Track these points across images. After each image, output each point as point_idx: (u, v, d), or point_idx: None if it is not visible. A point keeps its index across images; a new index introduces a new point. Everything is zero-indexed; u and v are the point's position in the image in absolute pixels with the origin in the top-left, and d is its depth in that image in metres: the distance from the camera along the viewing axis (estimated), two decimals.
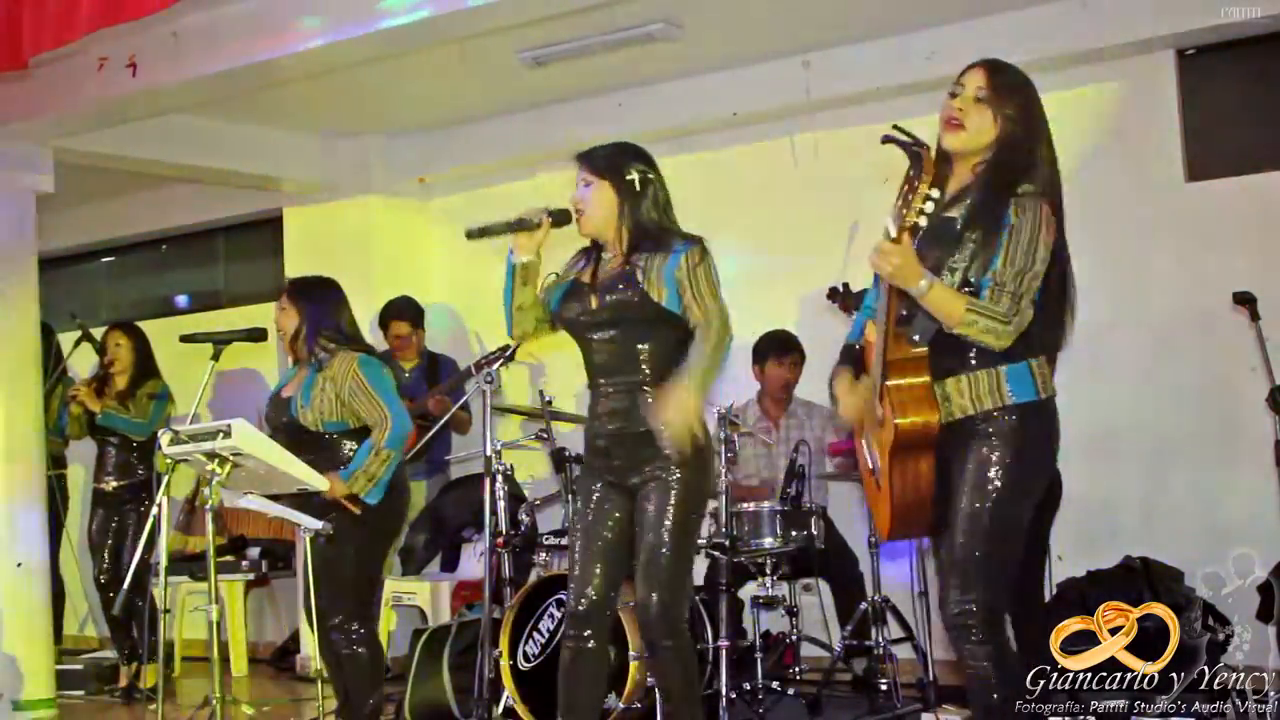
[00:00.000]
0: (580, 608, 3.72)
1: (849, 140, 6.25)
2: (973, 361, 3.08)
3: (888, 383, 3.07)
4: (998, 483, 3.04)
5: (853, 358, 3.41)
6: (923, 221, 2.89)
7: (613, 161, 3.73)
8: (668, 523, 3.60)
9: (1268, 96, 5.64)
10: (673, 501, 3.61)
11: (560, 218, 3.73)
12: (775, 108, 6.26)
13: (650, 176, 3.73)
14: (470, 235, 3.71)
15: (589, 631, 3.73)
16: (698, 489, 3.70)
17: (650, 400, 3.64)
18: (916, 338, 3.07)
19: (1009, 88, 3.13)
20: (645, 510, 3.64)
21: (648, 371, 3.67)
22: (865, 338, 3.31)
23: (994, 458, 3.05)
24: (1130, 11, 5.44)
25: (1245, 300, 5.02)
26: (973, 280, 3.05)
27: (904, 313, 3.07)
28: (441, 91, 6.56)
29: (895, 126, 2.95)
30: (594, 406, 3.79)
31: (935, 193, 2.88)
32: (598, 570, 3.73)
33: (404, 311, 6.69)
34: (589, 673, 3.78)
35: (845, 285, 5.41)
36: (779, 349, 5.90)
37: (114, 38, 5.31)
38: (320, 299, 4.75)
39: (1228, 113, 5.70)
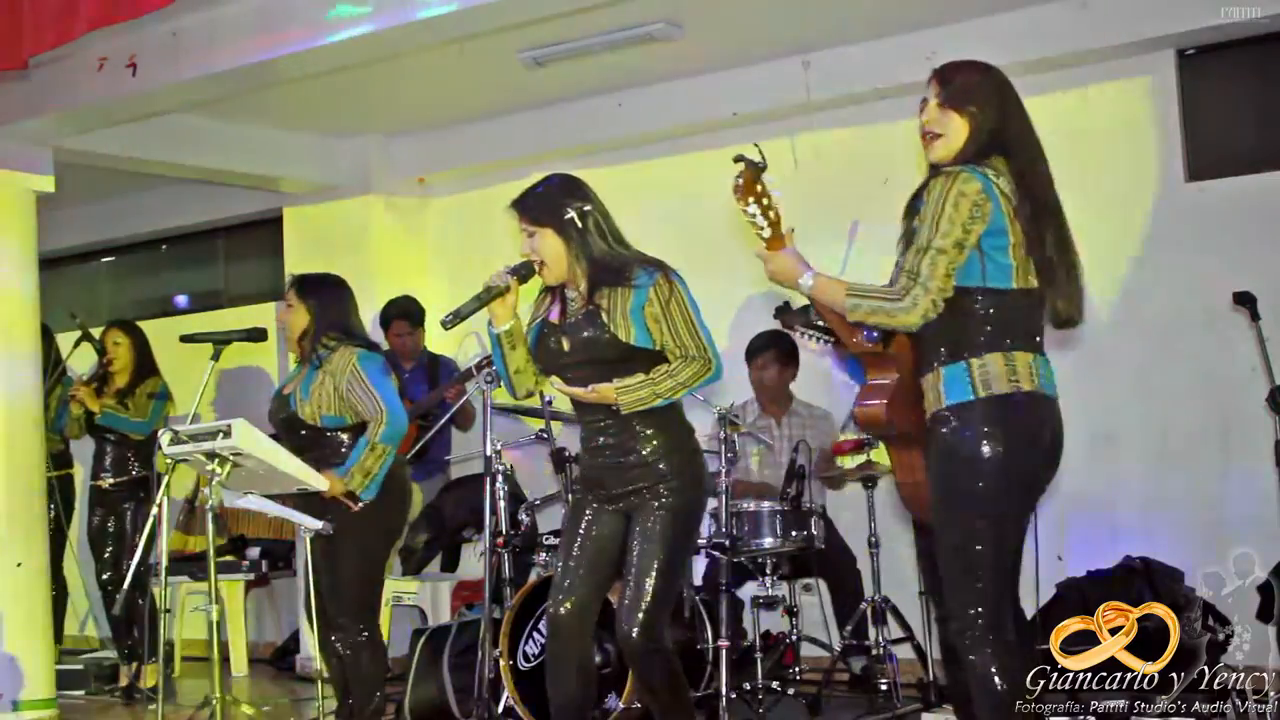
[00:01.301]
0: (560, 612, 3.72)
1: (849, 140, 6.26)
2: (931, 362, 3.10)
3: (870, 375, 3.20)
4: (936, 487, 3.07)
5: None
6: (765, 233, 3.11)
7: (547, 206, 3.69)
8: (658, 552, 3.60)
9: (1268, 96, 5.64)
10: (664, 531, 3.61)
11: (524, 273, 3.72)
12: (775, 108, 6.26)
13: (587, 209, 3.67)
14: (446, 325, 3.67)
15: (568, 636, 3.73)
16: (689, 518, 3.71)
17: (640, 429, 3.64)
18: (875, 335, 3.13)
19: (964, 85, 3.15)
20: (636, 537, 3.64)
21: None
22: None
23: (937, 463, 3.08)
24: (1130, 11, 5.44)
25: (1245, 300, 5.02)
26: None
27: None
28: (441, 91, 6.56)
29: (755, 145, 3.05)
30: (585, 439, 3.79)
31: (752, 208, 3.09)
32: (580, 577, 3.73)
33: (404, 311, 6.69)
34: (571, 677, 3.77)
35: (786, 303, 5.39)
36: (750, 351, 5.89)
37: (114, 37, 5.31)
38: (329, 297, 4.75)
39: (1228, 113, 5.70)
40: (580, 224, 3.65)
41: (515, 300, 3.73)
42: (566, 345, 3.69)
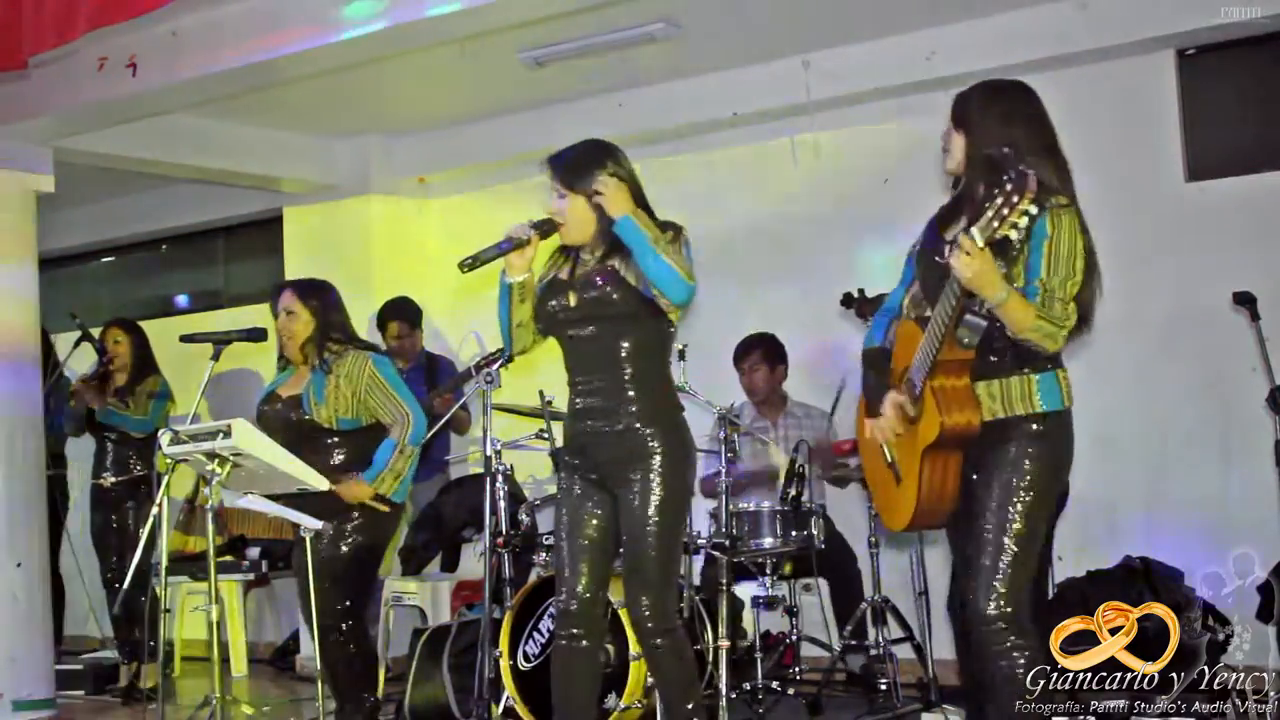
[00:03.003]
0: (570, 606, 3.73)
1: (849, 140, 6.26)
2: (1007, 367, 3.20)
3: (934, 383, 3.16)
4: (1027, 486, 3.17)
5: (879, 360, 3.48)
6: (1013, 235, 2.95)
7: (580, 171, 3.72)
8: (651, 523, 3.61)
9: (1268, 96, 5.64)
10: (655, 500, 3.62)
11: (545, 228, 3.74)
12: (775, 108, 6.26)
13: (620, 176, 3.72)
14: (463, 268, 3.69)
15: (579, 630, 3.74)
16: (679, 486, 3.69)
17: (632, 396, 3.65)
18: (965, 341, 3.14)
19: (967, 107, 3.33)
20: (629, 510, 3.64)
21: (629, 368, 3.67)
22: (900, 332, 3.40)
23: (1024, 463, 3.18)
24: (1130, 11, 5.44)
25: (1245, 300, 5.02)
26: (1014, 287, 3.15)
27: (966, 316, 3.12)
28: (441, 91, 6.56)
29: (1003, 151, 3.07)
30: (573, 404, 3.79)
31: (1034, 209, 2.92)
32: (584, 569, 3.73)
33: (402, 312, 6.68)
34: (581, 671, 3.78)
35: (861, 291, 5.39)
36: (738, 355, 5.89)
37: (114, 37, 5.31)
38: (329, 301, 4.77)
39: (1228, 113, 5.70)
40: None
41: (534, 254, 3.75)
42: (573, 300, 3.70)
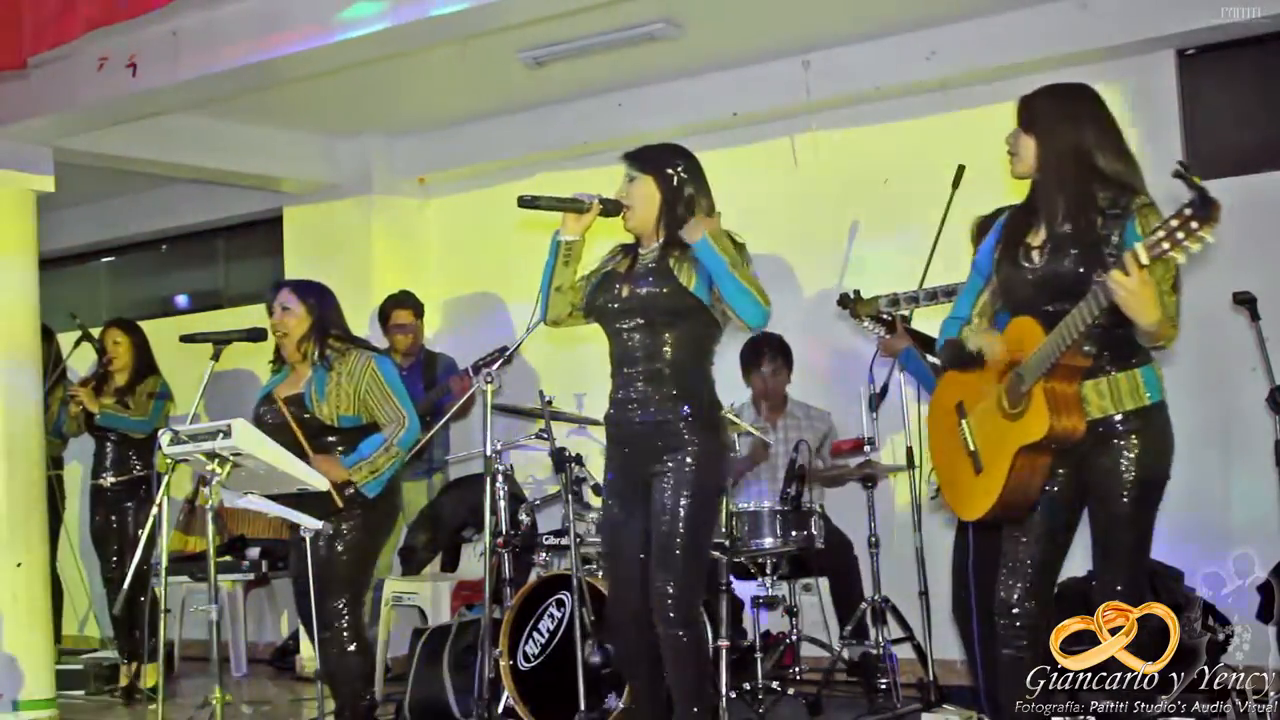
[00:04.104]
0: (623, 618, 3.79)
1: (849, 140, 6.25)
2: (1111, 364, 3.27)
3: (1047, 384, 3.19)
4: (1150, 479, 3.30)
5: (961, 355, 3.48)
6: (1181, 259, 2.94)
7: (657, 158, 3.83)
8: (682, 512, 3.64)
9: (1268, 96, 5.64)
10: (687, 491, 3.65)
11: (610, 207, 3.81)
12: (775, 108, 6.26)
13: (687, 176, 3.82)
14: (522, 203, 3.78)
15: (635, 634, 3.79)
16: (712, 480, 3.74)
17: (672, 390, 3.68)
18: (1088, 348, 3.20)
19: (1037, 108, 3.35)
20: (660, 499, 3.68)
21: (671, 363, 3.72)
22: (1016, 324, 3.34)
23: (1144, 458, 3.30)
24: (1130, 11, 5.44)
25: (1245, 300, 5.02)
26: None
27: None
28: (441, 91, 6.56)
29: (1183, 164, 3.04)
30: (614, 394, 3.84)
31: (1211, 239, 2.89)
32: (632, 575, 3.78)
33: (406, 301, 6.66)
34: (647, 665, 3.81)
35: (857, 292, 5.39)
36: (754, 357, 5.86)
37: (113, 37, 5.31)
38: (325, 300, 4.77)
39: (1228, 113, 5.70)
40: (676, 182, 3.77)
41: (589, 223, 3.82)
42: (624, 293, 3.77)
